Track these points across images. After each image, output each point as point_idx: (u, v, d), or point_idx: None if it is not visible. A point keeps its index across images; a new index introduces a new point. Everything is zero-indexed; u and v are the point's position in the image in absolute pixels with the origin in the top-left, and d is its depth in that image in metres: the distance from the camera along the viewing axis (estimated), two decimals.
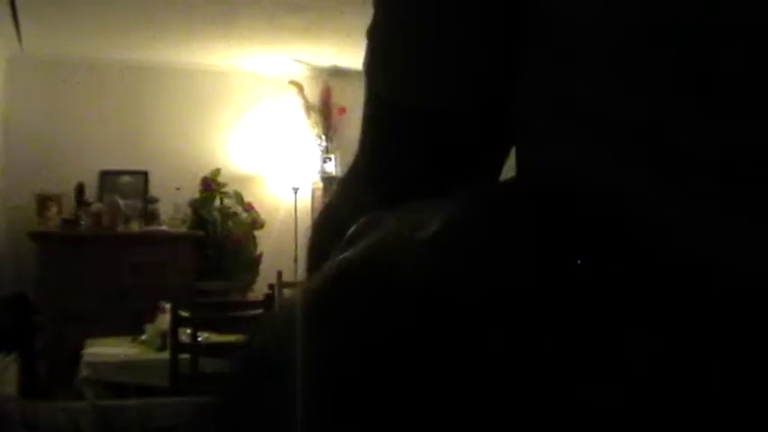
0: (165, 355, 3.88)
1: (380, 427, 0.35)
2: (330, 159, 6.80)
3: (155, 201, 6.42)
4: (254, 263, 6.50)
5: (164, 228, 6.28)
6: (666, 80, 0.36)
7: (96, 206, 6.14)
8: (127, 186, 6.48)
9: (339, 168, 6.57)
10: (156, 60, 6.55)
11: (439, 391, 0.34)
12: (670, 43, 0.35)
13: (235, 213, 6.54)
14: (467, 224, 0.38)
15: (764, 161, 0.33)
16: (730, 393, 0.31)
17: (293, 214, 6.63)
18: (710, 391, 0.31)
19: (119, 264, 5.85)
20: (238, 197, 6.57)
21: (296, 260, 6.21)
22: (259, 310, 4.08)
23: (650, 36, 0.36)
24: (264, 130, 6.87)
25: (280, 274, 5.39)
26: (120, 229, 6.11)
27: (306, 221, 6.31)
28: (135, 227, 6.19)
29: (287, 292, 5.18)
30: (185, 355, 3.83)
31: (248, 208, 6.59)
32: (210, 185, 6.51)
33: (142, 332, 4.31)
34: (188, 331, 3.91)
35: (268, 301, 4.18)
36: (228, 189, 6.56)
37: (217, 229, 6.37)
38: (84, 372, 3.92)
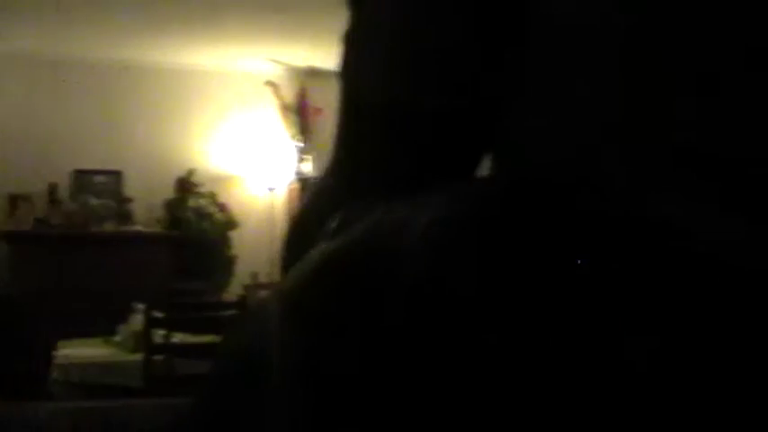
0: (139, 356, 3.86)
1: (367, 427, 0.34)
2: (306, 160, 6.79)
3: (129, 201, 6.38)
4: (228, 263, 6.48)
5: (138, 228, 6.25)
6: (666, 79, 0.35)
7: (69, 206, 6.09)
8: (101, 186, 6.43)
9: (315, 169, 6.56)
10: (130, 59, 6.50)
11: (429, 391, 0.33)
12: (669, 43, 0.35)
13: (209, 214, 6.51)
14: (461, 219, 0.38)
15: (762, 161, 0.33)
16: (729, 392, 0.31)
17: (269, 215, 6.61)
18: (710, 390, 0.31)
19: (91, 264, 5.80)
20: (213, 197, 6.54)
21: (271, 261, 6.19)
22: (234, 311, 4.07)
23: (650, 35, 0.36)
24: (241, 131, 6.85)
25: (255, 275, 5.37)
26: (94, 229, 6.06)
27: (282, 222, 6.29)
28: (108, 227, 6.15)
29: (262, 292, 5.17)
30: (159, 357, 3.81)
31: (223, 208, 6.56)
32: (185, 186, 6.48)
33: (115, 333, 4.28)
34: (162, 332, 3.89)
35: (242, 301, 4.17)
36: (204, 189, 6.53)
37: (191, 229, 6.34)
38: (55, 373, 3.89)
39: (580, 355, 0.32)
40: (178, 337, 3.95)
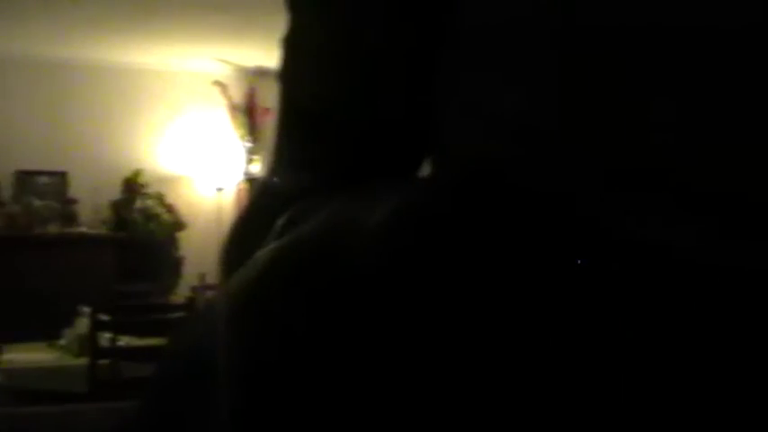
0: (84, 360, 3.82)
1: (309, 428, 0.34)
2: (254, 160, 6.77)
3: (74, 202, 6.31)
4: (176, 265, 6.45)
5: (83, 229, 6.18)
6: (610, 83, 0.35)
7: (11, 207, 6.00)
8: (44, 187, 6.35)
9: (264, 169, 6.55)
10: (76, 58, 6.42)
11: (382, 393, 0.33)
12: (612, 43, 0.35)
13: (157, 215, 6.47)
14: (422, 212, 0.37)
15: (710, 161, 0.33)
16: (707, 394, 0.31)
17: (217, 215, 6.58)
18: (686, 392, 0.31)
19: (36, 267, 5.72)
20: (160, 198, 6.50)
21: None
22: (181, 313, 4.06)
23: (589, 34, 0.36)
24: (188, 131, 6.81)
25: (203, 276, 5.34)
26: (38, 231, 5.98)
27: (230, 223, 6.26)
28: (53, 229, 6.08)
29: (210, 293, 5.14)
30: (105, 361, 3.78)
31: (170, 209, 6.53)
32: (132, 186, 6.43)
33: (60, 337, 4.23)
34: (108, 335, 3.86)
35: (191, 303, 4.14)
36: (150, 190, 6.48)
37: (138, 230, 6.29)
38: None
39: (550, 355, 0.32)
40: (124, 341, 3.93)
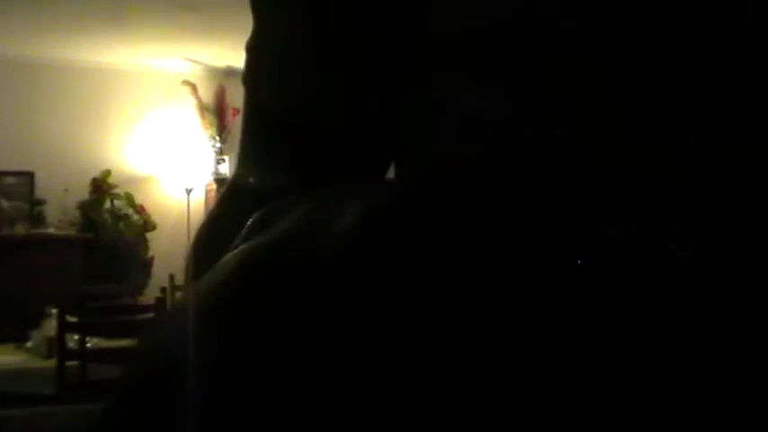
0: (52, 362, 3.78)
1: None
2: (224, 160, 6.74)
3: (41, 203, 6.24)
4: (145, 266, 6.40)
5: (51, 231, 6.11)
6: (590, 88, 0.35)
7: None
8: (11, 188, 6.27)
9: (233, 169, 6.51)
10: (43, 57, 6.35)
11: (359, 397, 0.33)
12: (591, 47, 0.35)
13: (126, 215, 6.42)
14: (394, 214, 0.37)
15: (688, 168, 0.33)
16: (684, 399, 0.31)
17: (186, 216, 6.54)
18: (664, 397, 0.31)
19: (3, 268, 5.65)
20: (129, 199, 6.45)
21: None
22: (150, 314, 4.02)
23: (569, 37, 0.36)
24: (157, 131, 6.76)
25: (172, 277, 5.30)
26: (4, 232, 5.91)
27: (199, 223, 6.22)
28: (20, 230, 6.00)
29: (179, 295, 5.10)
30: (73, 362, 3.74)
31: (139, 210, 6.48)
32: (101, 187, 6.37)
33: (27, 339, 4.18)
34: (76, 337, 3.81)
35: (160, 304, 4.11)
36: (119, 191, 6.43)
37: (107, 231, 6.24)
38: None
39: (530, 363, 0.32)
40: (93, 342, 3.89)
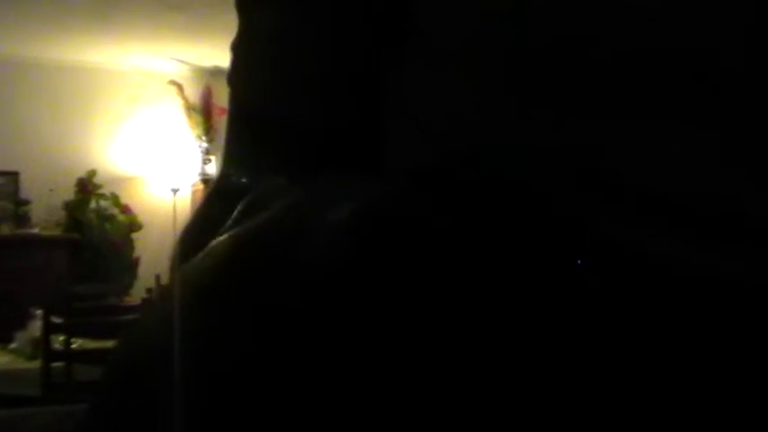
0: (37, 363, 3.78)
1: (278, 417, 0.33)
2: (210, 160, 6.73)
3: (26, 203, 6.22)
4: (131, 266, 6.39)
5: (36, 231, 6.09)
6: (560, 98, 0.36)
7: None
8: None
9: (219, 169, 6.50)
10: (28, 56, 6.32)
11: (350, 396, 0.32)
12: (562, 58, 0.35)
13: (112, 216, 6.41)
14: (385, 211, 0.37)
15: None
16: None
17: (172, 216, 6.52)
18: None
19: None
20: (115, 199, 6.44)
21: None
22: (136, 315, 4.01)
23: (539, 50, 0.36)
24: (144, 131, 6.74)
25: (158, 277, 5.29)
26: None
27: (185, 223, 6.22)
28: (5, 230, 5.99)
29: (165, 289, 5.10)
30: (58, 363, 3.73)
31: (125, 210, 6.47)
32: (86, 187, 6.35)
33: (12, 340, 4.17)
34: (61, 338, 3.80)
35: (146, 305, 4.10)
36: (105, 191, 6.41)
37: (93, 231, 6.22)
38: None
39: (520, 361, 0.32)
40: (78, 343, 3.88)
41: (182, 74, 6.76)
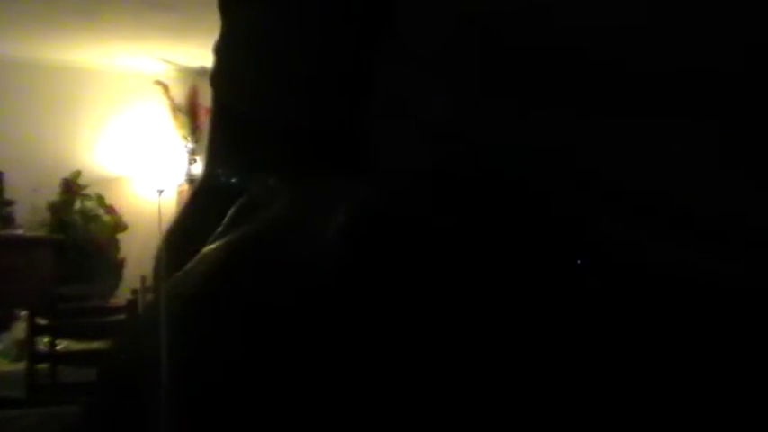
0: (22, 365, 3.75)
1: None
2: (196, 161, 6.71)
3: (10, 203, 6.18)
4: (116, 267, 6.37)
5: (20, 232, 6.06)
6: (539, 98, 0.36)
7: None
8: None
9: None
10: (12, 55, 6.29)
11: (349, 406, 0.32)
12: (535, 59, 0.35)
13: (96, 216, 6.38)
14: (383, 215, 0.37)
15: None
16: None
17: (158, 217, 6.50)
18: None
19: None
20: (100, 200, 6.41)
21: None
22: (122, 316, 4.00)
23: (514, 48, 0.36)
24: (129, 131, 6.72)
25: (143, 278, 5.27)
26: None
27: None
28: None
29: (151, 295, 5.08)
30: (43, 365, 3.71)
31: (110, 211, 6.44)
32: (71, 187, 6.32)
33: None
34: (46, 340, 3.78)
35: (131, 306, 4.08)
36: (90, 191, 6.39)
37: (77, 232, 6.20)
38: None
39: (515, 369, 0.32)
40: (63, 345, 3.86)
41: (167, 74, 6.75)
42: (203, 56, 6.06)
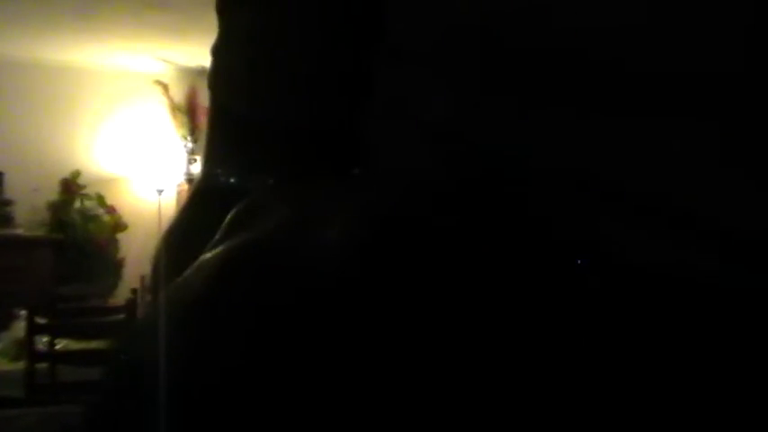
0: (21, 364, 3.75)
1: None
2: (196, 161, 6.71)
3: (10, 203, 6.18)
4: (116, 267, 6.37)
5: (19, 231, 6.05)
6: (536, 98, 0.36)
7: None
8: None
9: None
10: (12, 55, 6.28)
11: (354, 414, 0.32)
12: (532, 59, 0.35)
13: (96, 216, 6.38)
14: (386, 219, 0.36)
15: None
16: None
17: (157, 217, 6.50)
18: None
19: None
20: (100, 199, 6.41)
21: None
22: (121, 316, 3.99)
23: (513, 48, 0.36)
24: (128, 131, 6.71)
25: (143, 278, 5.27)
26: None
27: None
28: None
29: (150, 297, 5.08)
30: (42, 364, 3.71)
31: (110, 210, 6.44)
32: (70, 187, 6.32)
33: None
34: (45, 339, 3.78)
35: (130, 306, 4.08)
36: (90, 191, 6.38)
37: (77, 232, 6.19)
38: None
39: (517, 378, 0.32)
40: (62, 344, 3.86)
41: (167, 74, 6.74)
42: (203, 55, 6.05)
